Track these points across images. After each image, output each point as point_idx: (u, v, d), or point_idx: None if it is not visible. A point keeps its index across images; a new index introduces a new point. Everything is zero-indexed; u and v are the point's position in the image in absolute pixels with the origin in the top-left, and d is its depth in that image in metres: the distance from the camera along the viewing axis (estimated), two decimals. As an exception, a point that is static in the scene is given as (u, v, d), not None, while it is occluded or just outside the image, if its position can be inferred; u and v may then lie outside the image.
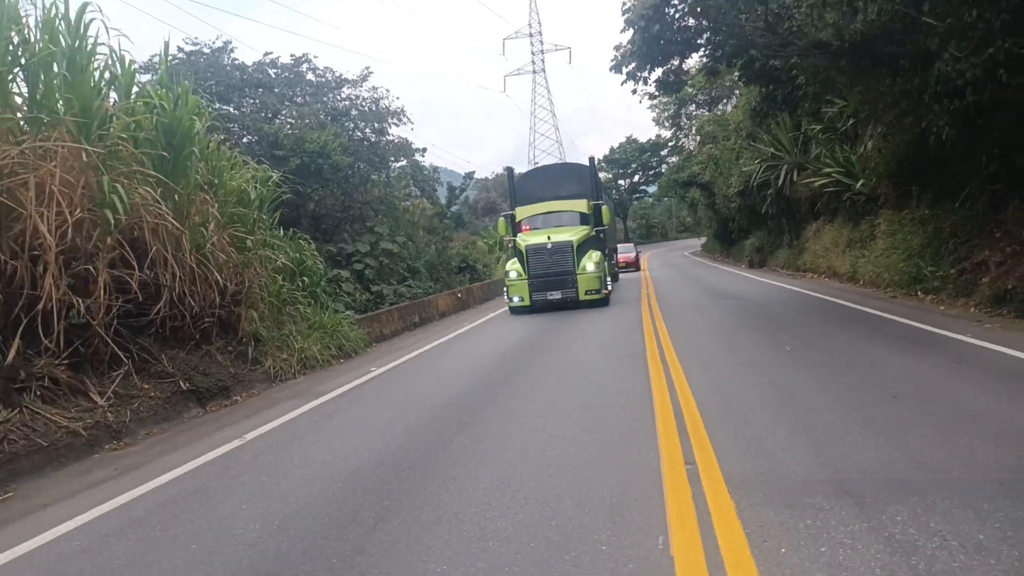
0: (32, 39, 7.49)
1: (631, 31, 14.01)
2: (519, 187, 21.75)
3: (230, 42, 19.91)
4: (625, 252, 39.05)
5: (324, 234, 18.43)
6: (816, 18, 12.06)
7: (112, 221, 7.73)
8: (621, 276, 31.08)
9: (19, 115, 7.38)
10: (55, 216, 7.34)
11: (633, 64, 14.73)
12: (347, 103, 21.54)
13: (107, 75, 8.52)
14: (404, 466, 5.40)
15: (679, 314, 14.73)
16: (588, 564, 3.46)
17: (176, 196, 9.05)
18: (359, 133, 21.34)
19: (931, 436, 5.04)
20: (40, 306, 7.21)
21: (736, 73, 19.42)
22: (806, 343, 9.92)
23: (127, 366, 8.19)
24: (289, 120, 19.35)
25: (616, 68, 15.33)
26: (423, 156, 25.83)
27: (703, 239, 60.36)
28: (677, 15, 13.55)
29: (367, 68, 28.45)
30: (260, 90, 18.91)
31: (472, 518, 4.18)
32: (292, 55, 20.79)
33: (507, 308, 18.79)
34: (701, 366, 8.51)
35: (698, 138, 47.97)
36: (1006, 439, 4.83)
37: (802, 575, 3.16)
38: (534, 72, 76.86)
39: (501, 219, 22.10)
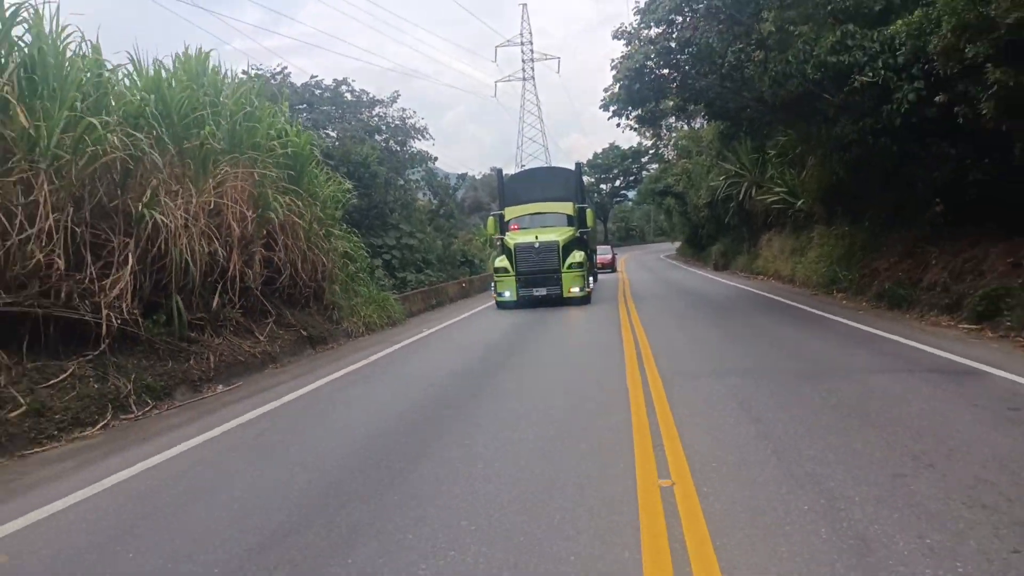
0: (228, 105, 11.41)
1: (617, 86, 18.10)
2: (508, 188, 22.69)
3: (286, 67, 23.72)
4: (602, 254, 39.32)
5: (358, 229, 22.32)
6: (756, 78, 16.18)
7: (274, 220, 11.68)
8: (599, 276, 33.18)
9: (218, 147, 11.24)
10: (239, 214, 11.25)
11: (617, 106, 18.82)
12: (377, 119, 25.45)
13: (270, 128, 12.44)
14: (469, 376, 9.41)
15: (648, 305, 18.81)
16: (585, 417, 7.49)
17: (300, 201, 12.97)
18: (384, 144, 25.22)
19: (779, 361, 9.19)
20: (229, 274, 11.11)
21: (702, 112, 23.50)
22: (731, 321, 14.12)
23: (273, 317, 12.14)
24: (331, 134, 23.21)
25: (604, 107, 19.41)
26: (433, 163, 29.78)
27: (677, 243, 64.67)
28: (652, 71, 17.61)
29: (396, 92, 32.44)
30: (311, 107, 22.73)
31: (505, 410, 8.20)
32: (335, 79, 24.63)
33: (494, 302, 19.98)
34: (658, 332, 12.61)
35: (679, 145, 52.14)
36: (809, 358, 9.00)
37: (687, 404, 7.17)
38: (524, 79, 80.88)
39: (491, 218, 23.12)
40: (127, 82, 9.81)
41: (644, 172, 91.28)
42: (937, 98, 10.30)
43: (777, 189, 26.50)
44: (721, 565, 3.35)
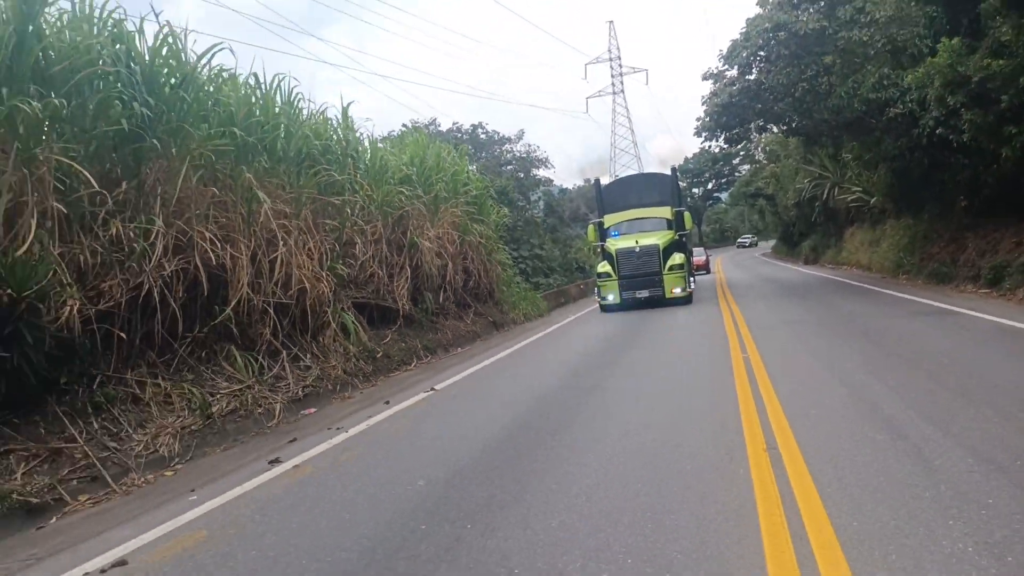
0: (447, 167, 16.79)
1: (708, 118, 22.73)
2: (605, 196, 23.31)
3: (436, 118, 29.51)
4: (696, 255, 38.61)
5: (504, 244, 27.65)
6: (819, 108, 20.45)
7: (470, 240, 16.97)
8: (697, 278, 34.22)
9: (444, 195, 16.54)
10: (452, 238, 16.55)
11: (708, 132, 23.44)
12: (508, 154, 30.87)
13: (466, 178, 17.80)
14: (609, 348, 14.25)
15: (741, 293, 23.16)
16: (698, 359, 12.25)
17: (481, 227, 18.24)
18: (512, 174, 30.55)
19: (830, 317, 13.68)
20: (447, 279, 16.40)
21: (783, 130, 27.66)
22: (806, 299, 18.45)
23: (472, 309, 17.44)
24: (472, 169, 28.69)
25: (697, 133, 24.07)
26: (548, 186, 34.97)
27: (770, 242, 67.54)
28: (735, 105, 22.12)
29: (522, 129, 38.21)
30: (455, 148, 28.32)
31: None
32: (472, 124, 30.28)
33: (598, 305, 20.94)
34: (749, 309, 17.14)
35: (767, 150, 55.54)
36: (851, 314, 13.45)
37: (766, 343, 11.81)
38: (614, 93, 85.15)
39: (590, 226, 23.52)
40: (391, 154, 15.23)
41: (736, 174, 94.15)
42: (938, 130, 14.53)
43: (855, 189, 30.23)
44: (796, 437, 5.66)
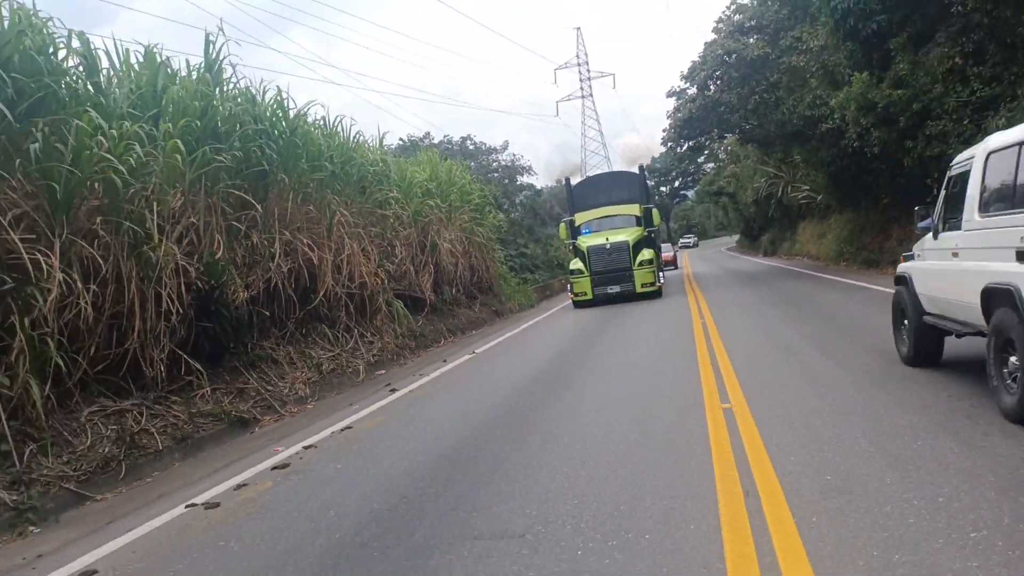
0: (456, 179, 19.89)
1: (672, 130, 26.14)
2: (576, 195, 23.79)
3: (429, 132, 32.54)
4: (664, 251, 38.27)
5: (489, 244, 30.71)
6: (767, 120, 23.91)
7: (475, 241, 20.11)
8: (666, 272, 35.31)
9: (457, 204, 19.63)
10: (461, 238, 19.63)
11: (673, 143, 26.87)
12: (495, 163, 34.04)
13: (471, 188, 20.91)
14: (589, 334, 17.48)
15: (705, 282, 26.56)
16: (669, 334, 15.55)
17: (483, 229, 21.37)
18: (498, 180, 33.69)
19: (771, 295, 17.06)
20: (457, 273, 19.48)
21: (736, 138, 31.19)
22: (757, 283, 21.86)
23: (478, 300, 20.58)
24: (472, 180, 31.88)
25: (664, 144, 27.52)
26: (537, 193, 38.20)
27: (735, 236, 71.46)
28: (695, 118, 25.52)
29: (506, 140, 41.20)
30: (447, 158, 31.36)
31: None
32: (461, 136, 33.40)
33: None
34: (712, 296, 20.47)
35: (728, 150, 59.34)
36: (788, 292, 16.85)
37: (721, 316, 15.12)
38: (583, 97, 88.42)
39: (562, 224, 24.34)
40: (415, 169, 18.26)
41: (701, 172, 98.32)
42: (855, 144, 17.97)
43: (804, 188, 33.84)
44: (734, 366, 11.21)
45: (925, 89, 15.51)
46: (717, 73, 24.42)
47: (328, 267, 12.23)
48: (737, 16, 24.40)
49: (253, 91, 10.97)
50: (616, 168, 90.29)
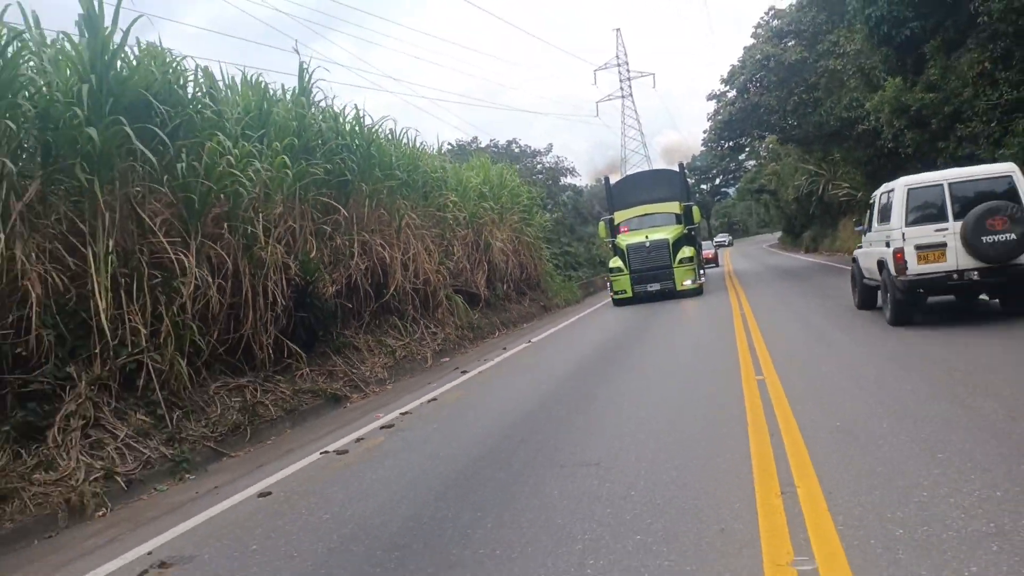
0: (507, 182, 21.12)
1: (712, 132, 27.02)
2: (615, 193, 23.71)
3: (476, 136, 33.86)
4: (704, 249, 38.13)
5: (534, 243, 31.87)
6: (806, 116, 24.66)
7: (524, 240, 21.31)
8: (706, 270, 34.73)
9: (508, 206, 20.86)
10: (511, 238, 20.84)
11: (713, 144, 27.74)
12: (539, 165, 35.25)
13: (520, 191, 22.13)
14: (635, 325, 18.53)
15: (745, 278, 27.39)
16: (710, 325, 16.56)
17: (530, 230, 22.56)
18: (542, 182, 34.88)
19: (807, 288, 17.95)
20: (508, 270, 20.70)
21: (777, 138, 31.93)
22: (799, 280, 22.67)
23: (527, 295, 21.78)
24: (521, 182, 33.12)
25: (704, 145, 28.37)
26: (579, 193, 39.31)
27: (777, 234, 71.52)
28: (735, 120, 26.39)
29: (550, 143, 42.65)
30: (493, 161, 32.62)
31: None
32: (507, 140, 34.70)
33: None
34: (753, 291, 21.36)
35: (769, 148, 59.83)
36: (822, 284, 17.73)
37: (759, 309, 16.09)
38: (623, 97, 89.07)
39: (601, 223, 24.39)
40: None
41: (742, 170, 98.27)
42: (890, 144, 18.73)
43: (844, 185, 34.33)
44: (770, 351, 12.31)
45: (956, 92, 16.26)
46: (756, 76, 25.25)
47: (397, 265, 13.54)
48: (775, 22, 25.23)
49: (335, 110, 12.32)
50: (656, 166, 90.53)
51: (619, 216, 22.93)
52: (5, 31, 6.59)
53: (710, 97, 27.10)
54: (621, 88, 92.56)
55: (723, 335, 11.83)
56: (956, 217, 9.27)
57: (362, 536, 4.31)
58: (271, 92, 10.58)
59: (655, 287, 20.48)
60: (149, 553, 4.64)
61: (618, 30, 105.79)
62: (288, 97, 11.05)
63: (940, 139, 16.95)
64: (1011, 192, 9.22)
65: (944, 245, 9.31)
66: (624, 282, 20.79)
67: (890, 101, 17.61)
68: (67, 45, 7.31)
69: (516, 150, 35.36)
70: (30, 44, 6.91)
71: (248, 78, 10.61)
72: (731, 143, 28.03)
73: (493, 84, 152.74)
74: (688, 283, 20.54)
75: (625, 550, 3.60)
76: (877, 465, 4.38)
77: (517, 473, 5.12)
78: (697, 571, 3.32)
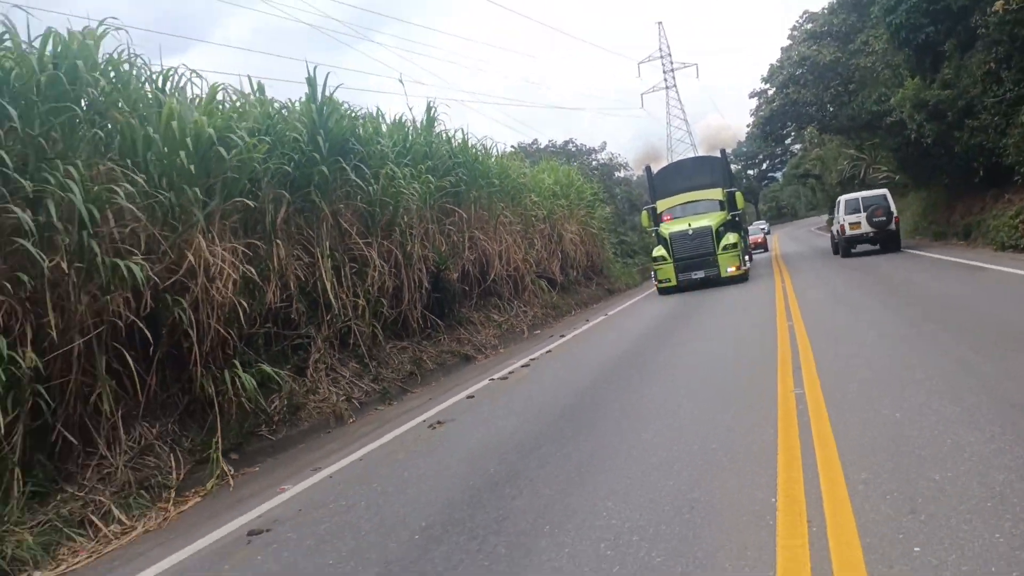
0: (575, 183, 24.16)
1: (755, 128, 29.58)
2: (657, 182, 23.95)
3: (536, 138, 36.99)
4: (753, 234, 38.65)
5: (593, 234, 34.81)
6: (840, 109, 27.07)
7: (591, 232, 24.32)
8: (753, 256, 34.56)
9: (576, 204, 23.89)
10: (578, 230, 23.86)
11: (758, 140, 30.28)
12: (594, 162, 38.19)
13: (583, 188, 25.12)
14: (688, 304, 21.36)
15: (792, 261, 29.88)
16: (754, 300, 19.36)
17: (594, 222, 25.53)
18: (599, 178, 37.84)
19: (851, 264, 20.60)
20: (576, 259, 23.73)
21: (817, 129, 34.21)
22: (840, 261, 25.23)
23: (594, 280, 24.80)
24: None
25: (748, 137, 30.89)
26: (629, 186, 42.17)
27: (825, 216, 72.94)
28: (778, 114, 28.90)
29: (604, 141, 45.69)
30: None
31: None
32: (564, 140, 37.81)
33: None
34: (795, 269, 23.98)
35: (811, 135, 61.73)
36: (866, 262, 20.35)
37: (800, 285, 18.80)
38: (666, 88, 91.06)
39: (644, 212, 24.42)
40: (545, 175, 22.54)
41: (788, 154, 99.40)
42: (913, 134, 21.18)
43: (884, 169, 36.46)
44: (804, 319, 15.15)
45: (967, 89, 18.75)
46: (795, 75, 27.77)
47: (495, 255, 16.71)
48: (809, 25, 27.68)
49: (448, 134, 15.53)
50: (701, 153, 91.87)
51: (661, 205, 23.08)
52: (274, 106, 9.90)
53: (752, 95, 29.76)
54: (665, 80, 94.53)
55: (765, 306, 14.68)
56: (864, 210, 22.48)
57: (502, 439, 7.01)
58: (407, 126, 13.78)
59: (699, 275, 20.44)
60: (383, 444, 7.68)
61: (660, 23, 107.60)
62: (419, 127, 14.24)
63: (955, 129, 19.41)
64: (885, 200, 22.57)
65: (859, 223, 22.55)
66: (668, 270, 20.78)
67: (911, 97, 20.13)
68: (297, 106, 10.60)
69: (572, 149, 38.34)
70: (283, 112, 10.20)
71: (396, 118, 13.88)
72: (773, 136, 30.49)
73: (534, 83, 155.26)
74: (732, 269, 20.39)
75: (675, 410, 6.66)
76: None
77: (624, 383, 8.20)
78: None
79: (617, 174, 39.31)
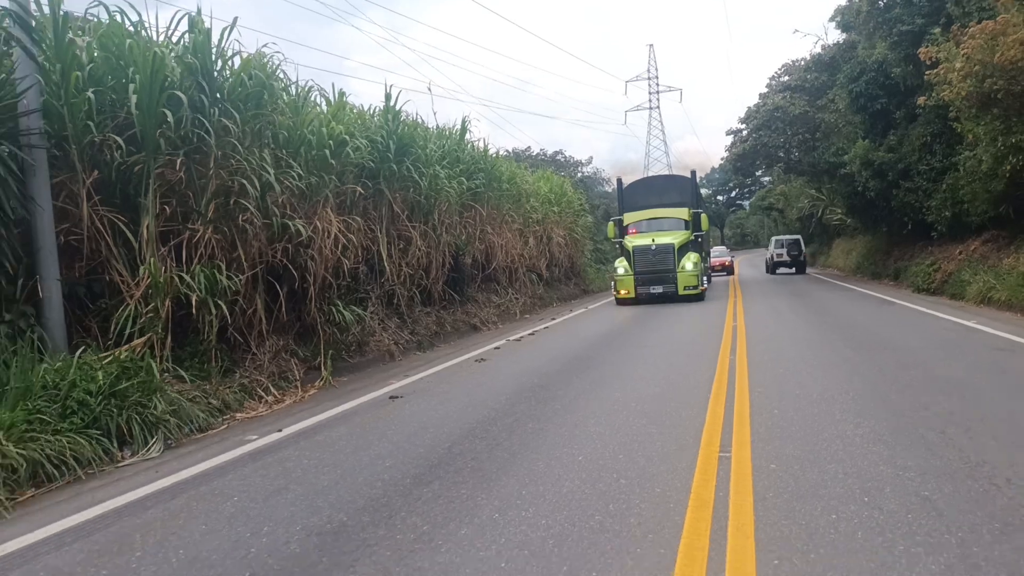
0: (566, 192, 27.23)
1: (729, 164, 33.03)
2: (627, 195, 24.81)
3: (529, 146, 39.93)
4: (718, 255, 40.15)
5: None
6: (805, 157, 30.63)
7: (574, 238, 27.45)
8: (713, 278, 33.57)
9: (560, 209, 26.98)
10: (563, 234, 26.98)
11: (728, 174, 33.72)
12: (579, 174, 41.39)
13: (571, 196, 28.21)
14: (651, 306, 24.64)
15: (746, 287, 33.40)
16: (709, 312, 22.68)
17: (578, 229, 28.65)
18: (582, 187, 41.04)
19: (792, 295, 24.05)
20: (559, 259, 26.84)
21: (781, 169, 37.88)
22: (788, 286, 28.75)
23: (573, 280, 27.94)
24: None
25: (719, 170, 34.33)
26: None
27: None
28: (748, 156, 32.37)
29: (591, 155, 48.86)
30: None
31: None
32: (554, 150, 40.91)
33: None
34: (747, 292, 27.40)
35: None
36: (805, 292, 23.82)
37: (751, 314, 22.17)
38: (650, 108, 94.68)
39: (610, 223, 25.26)
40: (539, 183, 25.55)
41: (758, 184, 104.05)
42: (859, 187, 24.70)
43: (838, 212, 40.30)
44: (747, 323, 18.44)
45: (906, 155, 22.28)
46: (767, 122, 31.25)
47: (499, 248, 19.71)
48: (785, 77, 31.18)
49: (474, 143, 18.50)
50: (677, 172, 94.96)
51: (628, 217, 23.69)
52: (369, 115, 12.79)
53: (728, 132, 33.20)
54: (650, 100, 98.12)
55: (717, 316, 17.90)
56: (785, 247, 36.44)
57: (534, 369, 10.30)
58: (447, 134, 16.72)
59: (658, 289, 21.03)
60: (419, 379, 10.72)
61: (651, 46, 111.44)
62: (456, 134, 17.19)
63: (894, 187, 22.95)
64: (798, 243, 36.84)
65: (782, 254, 37.02)
66: (628, 283, 21.30)
67: (861, 155, 23.64)
68: (376, 117, 13.48)
69: (561, 159, 41.52)
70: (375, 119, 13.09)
71: (439, 127, 16.81)
72: (742, 174, 34.06)
73: (511, 85, 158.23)
74: (690, 288, 21.16)
75: (632, 375, 9.76)
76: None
77: (604, 355, 11.28)
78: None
79: (599, 188, 42.63)
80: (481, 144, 18.82)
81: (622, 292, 21.35)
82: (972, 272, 17.39)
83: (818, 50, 30.34)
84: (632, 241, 22.01)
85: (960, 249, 19.84)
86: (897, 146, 22.80)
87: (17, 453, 5.10)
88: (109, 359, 6.81)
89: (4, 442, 5.06)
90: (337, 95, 11.76)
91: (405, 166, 13.45)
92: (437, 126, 16.62)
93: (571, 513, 4.15)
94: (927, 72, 16.01)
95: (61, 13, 7.21)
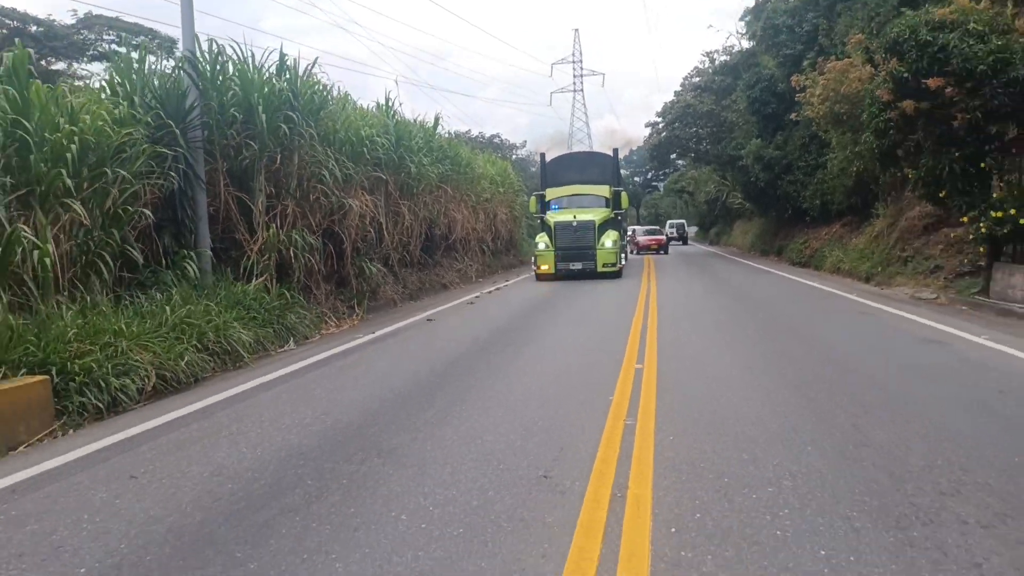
0: (508, 173, 31.21)
1: (647, 153, 37.64)
2: (549, 170, 25.14)
3: (470, 128, 43.46)
4: (652, 234, 42.16)
5: (506, 216, 42.08)
6: (712, 148, 35.56)
7: (513, 215, 31.56)
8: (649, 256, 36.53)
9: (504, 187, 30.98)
10: (505, 211, 31.04)
11: (647, 162, 38.39)
12: (513, 156, 45.34)
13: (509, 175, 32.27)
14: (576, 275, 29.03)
15: (658, 263, 38.27)
16: (623, 285, 27.24)
17: (517, 207, 32.75)
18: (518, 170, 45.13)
19: (694, 267, 28.87)
20: (501, 234, 30.91)
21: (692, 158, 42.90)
22: (692, 263, 33.67)
23: (511, 253, 32.12)
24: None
25: (639, 153, 39.00)
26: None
27: (693, 229, 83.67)
28: (664, 147, 37.06)
29: (525, 140, 52.83)
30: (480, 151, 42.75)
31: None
32: (491, 134, 44.63)
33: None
34: (659, 267, 32.16)
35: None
36: (708, 265, 28.68)
37: (663, 286, 26.78)
38: (574, 91, 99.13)
39: (532, 198, 25.83)
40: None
41: (673, 167, 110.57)
42: (752, 178, 29.64)
43: (739, 196, 45.76)
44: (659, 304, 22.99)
45: (789, 153, 27.25)
46: (680, 118, 35.97)
47: (459, 223, 23.58)
48: (697, 79, 35.95)
49: (441, 135, 22.21)
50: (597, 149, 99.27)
51: (550, 193, 24.15)
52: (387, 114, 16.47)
53: (647, 125, 37.83)
54: (574, 83, 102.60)
55: (632, 287, 22.33)
56: (675, 228, 51.46)
57: (498, 316, 14.37)
58: (424, 127, 20.42)
59: (577, 266, 21.46)
60: (436, 312, 14.64)
61: (576, 30, 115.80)
62: (430, 126, 20.89)
63: (779, 179, 27.93)
64: (684, 226, 54.77)
65: (673, 232, 52.03)
66: (548, 258, 21.76)
67: (754, 151, 28.53)
68: (376, 114, 17.13)
69: (497, 142, 45.40)
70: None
71: (420, 121, 20.44)
72: (659, 162, 38.78)
73: (428, 61, 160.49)
74: (609, 265, 21.73)
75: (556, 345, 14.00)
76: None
77: (561, 297, 15.45)
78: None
79: (532, 169, 46.83)
80: (445, 133, 22.49)
81: (543, 267, 21.71)
82: (830, 249, 22.42)
83: (725, 57, 35.20)
84: (554, 217, 22.58)
85: (826, 231, 24.96)
86: (783, 145, 27.75)
87: (245, 336, 8.83)
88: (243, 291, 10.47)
89: (241, 329, 8.77)
90: (373, 105, 15.45)
91: (399, 154, 17.14)
92: (416, 120, 20.26)
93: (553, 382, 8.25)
94: (797, 95, 20.68)
95: (219, 60, 10.69)
